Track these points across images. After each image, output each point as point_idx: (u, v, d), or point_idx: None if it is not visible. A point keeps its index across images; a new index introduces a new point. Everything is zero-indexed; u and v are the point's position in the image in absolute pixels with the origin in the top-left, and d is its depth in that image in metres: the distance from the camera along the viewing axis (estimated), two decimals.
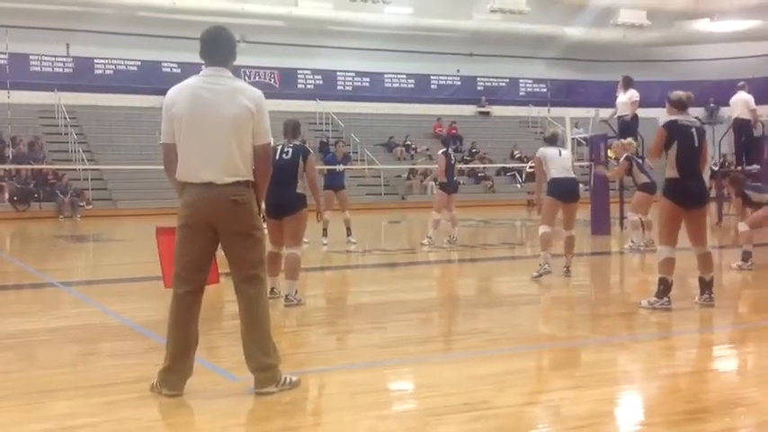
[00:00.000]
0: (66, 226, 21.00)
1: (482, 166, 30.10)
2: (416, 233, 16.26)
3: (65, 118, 26.58)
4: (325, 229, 13.41)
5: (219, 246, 4.60)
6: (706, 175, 7.31)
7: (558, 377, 5.15)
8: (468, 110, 34.31)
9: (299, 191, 7.52)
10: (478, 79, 34.72)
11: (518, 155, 30.46)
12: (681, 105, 7.23)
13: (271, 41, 30.38)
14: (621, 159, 12.46)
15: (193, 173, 4.49)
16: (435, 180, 17.55)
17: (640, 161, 12.53)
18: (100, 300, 8.19)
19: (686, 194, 7.03)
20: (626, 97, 14.68)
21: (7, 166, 24.00)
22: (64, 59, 28.54)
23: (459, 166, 19.29)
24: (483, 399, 4.44)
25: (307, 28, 30.67)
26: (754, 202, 10.14)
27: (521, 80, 35.14)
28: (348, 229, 13.65)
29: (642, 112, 15.36)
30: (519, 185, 29.36)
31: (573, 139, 27.05)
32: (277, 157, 7.36)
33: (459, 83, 34.47)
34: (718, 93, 28.31)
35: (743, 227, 9.95)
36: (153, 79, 27.15)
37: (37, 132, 26.10)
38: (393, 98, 32.61)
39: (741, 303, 8.28)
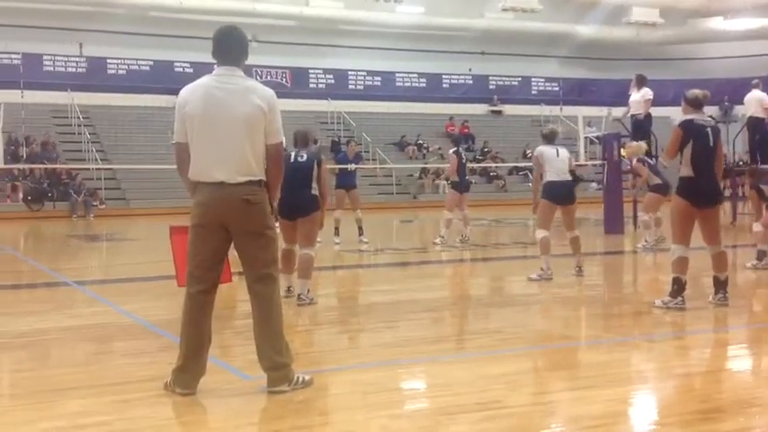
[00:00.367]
0: (79, 225, 21.11)
1: (494, 165, 30.07)
2: (428, 232, 16.26)
3: (78, 118, 26.72)
4: (337, 228, 13.46)
5: (232, 245, 4.61)
6: (719, 175, 7.26)
7: (571, 377, 5.11)
8: (481, 109, 34.23)
9: (313, 192, 7.54)
10: (490, 78, 34.63)
11: (530, 154, 30.25)
12: (697, 104, 7.16)
13: (282, 41, 30.46)
14: (634, 162, 12.40)
15: (206, 172, 4.49)
16: (447, 179, 17.54)
17: (653, 162, 12.47)
18: (113, 299, 8.23)
19: (699, 193, 6.99)
20: (639, 96, 14.60)
21: (21, 166, 24.13)
22: (77, 59, 28.68)
23: (470, 165, 19.26)
24: (495, 398, 4.43)
25: (318, 27, 30.71)
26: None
27: (533, 79, 35.01)
28: (360, 228, 13.66)
29: (655, 111, 15.26)
30: (531, 185, 29.24)
31: (586, 137, 27.13)
32: (292, 159, 7.38)
33: (470, 82, 34.38)
34: (732, 91, 28.11)
35: (757, 227, 9.92)
36: (165, 79, 27.26)
37: (50, 132, 26.24)
38: (405, 97, 32.59)
39: (755, 303, 8.22)
